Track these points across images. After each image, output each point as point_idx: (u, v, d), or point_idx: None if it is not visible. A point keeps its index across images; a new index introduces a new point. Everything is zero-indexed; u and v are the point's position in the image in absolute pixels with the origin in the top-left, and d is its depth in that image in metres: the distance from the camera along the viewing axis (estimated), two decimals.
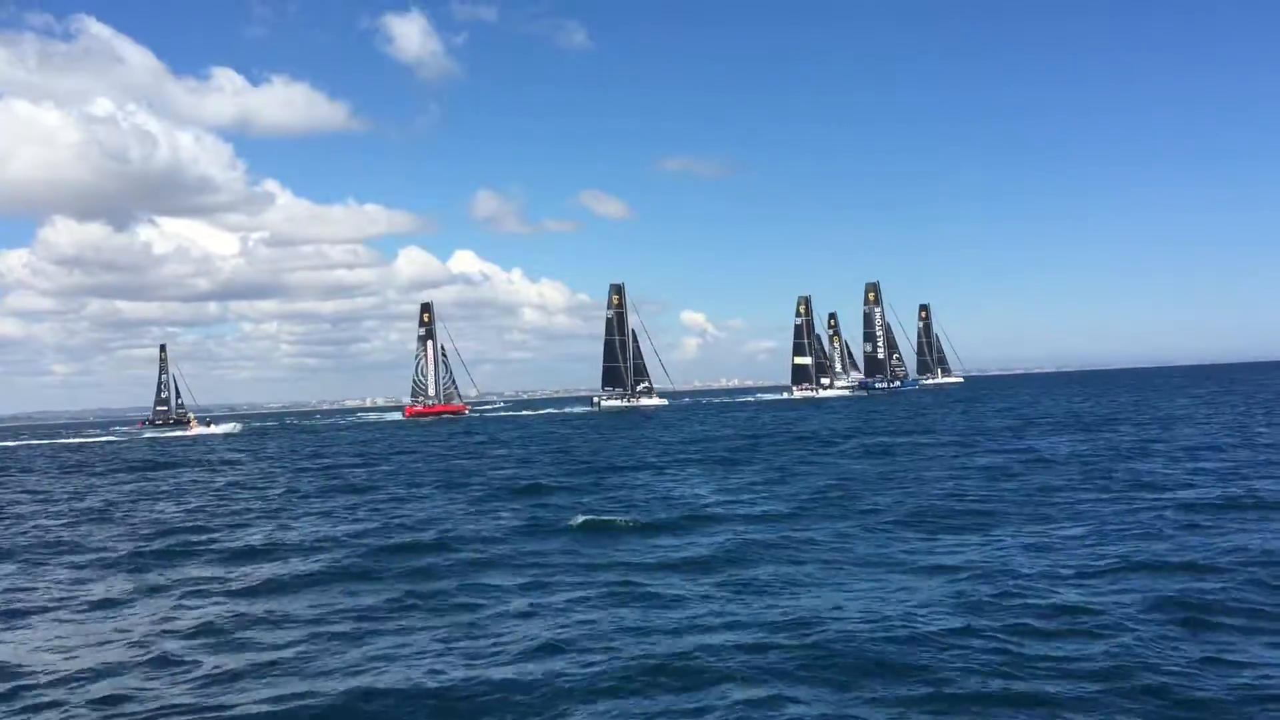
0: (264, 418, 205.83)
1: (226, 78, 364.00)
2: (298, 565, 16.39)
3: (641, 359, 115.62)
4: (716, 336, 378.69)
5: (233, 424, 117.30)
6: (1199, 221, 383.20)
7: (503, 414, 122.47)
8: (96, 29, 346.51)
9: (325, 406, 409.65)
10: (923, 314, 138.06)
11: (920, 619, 10.87)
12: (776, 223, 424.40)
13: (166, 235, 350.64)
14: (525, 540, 17.91)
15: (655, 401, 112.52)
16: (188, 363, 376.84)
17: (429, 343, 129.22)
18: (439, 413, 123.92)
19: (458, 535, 18.73)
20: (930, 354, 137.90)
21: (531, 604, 12.68)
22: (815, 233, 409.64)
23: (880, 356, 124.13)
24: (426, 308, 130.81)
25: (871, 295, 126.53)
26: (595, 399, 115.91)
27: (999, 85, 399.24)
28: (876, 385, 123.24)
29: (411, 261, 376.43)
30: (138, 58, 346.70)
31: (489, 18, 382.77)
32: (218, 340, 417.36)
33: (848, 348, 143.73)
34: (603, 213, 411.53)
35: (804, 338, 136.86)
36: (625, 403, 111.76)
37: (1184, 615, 10.60)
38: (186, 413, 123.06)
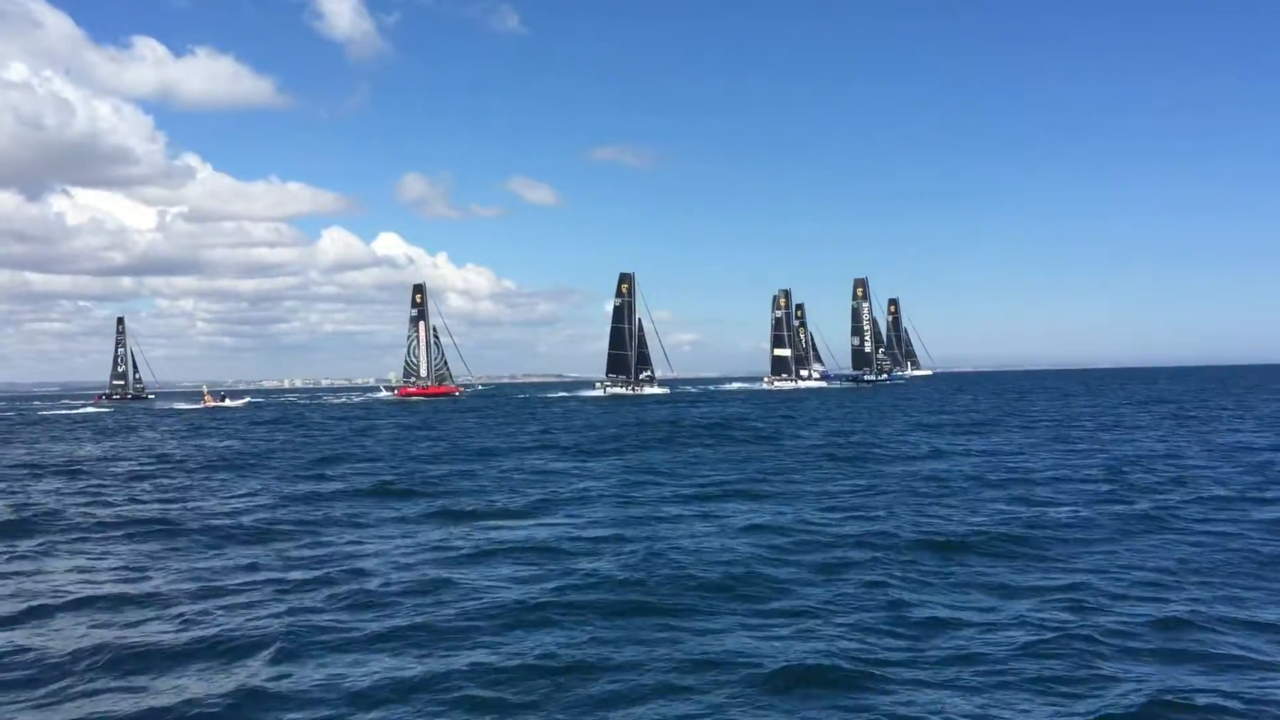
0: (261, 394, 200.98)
1: (149, 47, 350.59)
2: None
3: (646, 348, 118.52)
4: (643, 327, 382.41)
5: (246, 399, 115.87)
6: (1175, 223, 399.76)
7: (496, 396, 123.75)
8: None
9: (241, 387, 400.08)
10: (891, 308, 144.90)
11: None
12: (705, 215, 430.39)
13: (80, 207, 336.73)
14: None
15: (657, 390, 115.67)
16: (97, 338, 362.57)
17: (421, 324, 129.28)
18: (432, 394, 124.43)
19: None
20: (899, 348, 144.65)
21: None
22: (745, 226, 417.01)
23: (867, 350, 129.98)
24: (419, 289, 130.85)
25: (859, 290, 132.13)
26: (598, 384, 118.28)
27: (954, 79, 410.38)
28: (865, 378, 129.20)
29: (335, 242, 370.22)
30: (56, 23, 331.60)
31: None
32: (131, 316, 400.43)
33: (813, 340, 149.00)
34: (532, 199, 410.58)
35: (784, 330, 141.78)
36: (630, 390, 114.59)
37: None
38: (211, 392, 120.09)
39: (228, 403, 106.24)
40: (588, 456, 32.50)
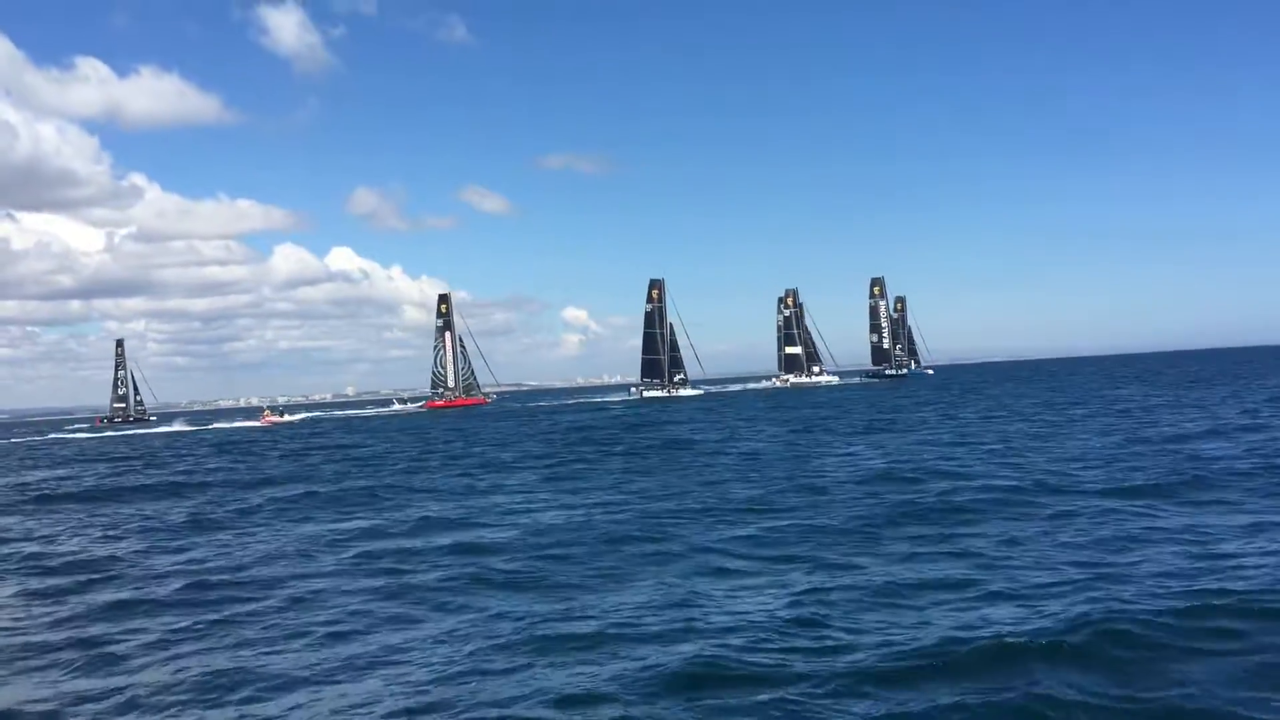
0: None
1: (91, 68, 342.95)
2: None
3: (678, 352, 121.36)
4: (598, 333, 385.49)
5: (304, 414, 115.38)
6: (1166, 211, 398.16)
7: (531, 406, 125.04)
8: None
9: (196, 408, 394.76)
10: (898, 305, 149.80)
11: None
12: (658, 219, 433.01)
13: (26, 230, 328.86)
14: None
15: (691, 392, 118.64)
16: (47, 363, 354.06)
17: (447, 334, 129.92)
18: (461, 405, 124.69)
19: None
20: (903, 344, 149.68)
21: None
22: (702, 228, 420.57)
23: (885, 347, 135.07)
24: (444, 299, 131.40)
25: (877, 289, 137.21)
26: (634, 389, 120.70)
27: (932, 70, 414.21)
28: (886, 372, 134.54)
29: (287, 258, 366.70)
30: None
31: (368, 11, 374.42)
32: (80, 340, 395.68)
33: (810, 335, 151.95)
34: (484, 209, 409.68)
35: (793, 328, 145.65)
36: (665, 393, 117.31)
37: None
38: (270, 408, 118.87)
39: (286, 418, 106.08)
40: None
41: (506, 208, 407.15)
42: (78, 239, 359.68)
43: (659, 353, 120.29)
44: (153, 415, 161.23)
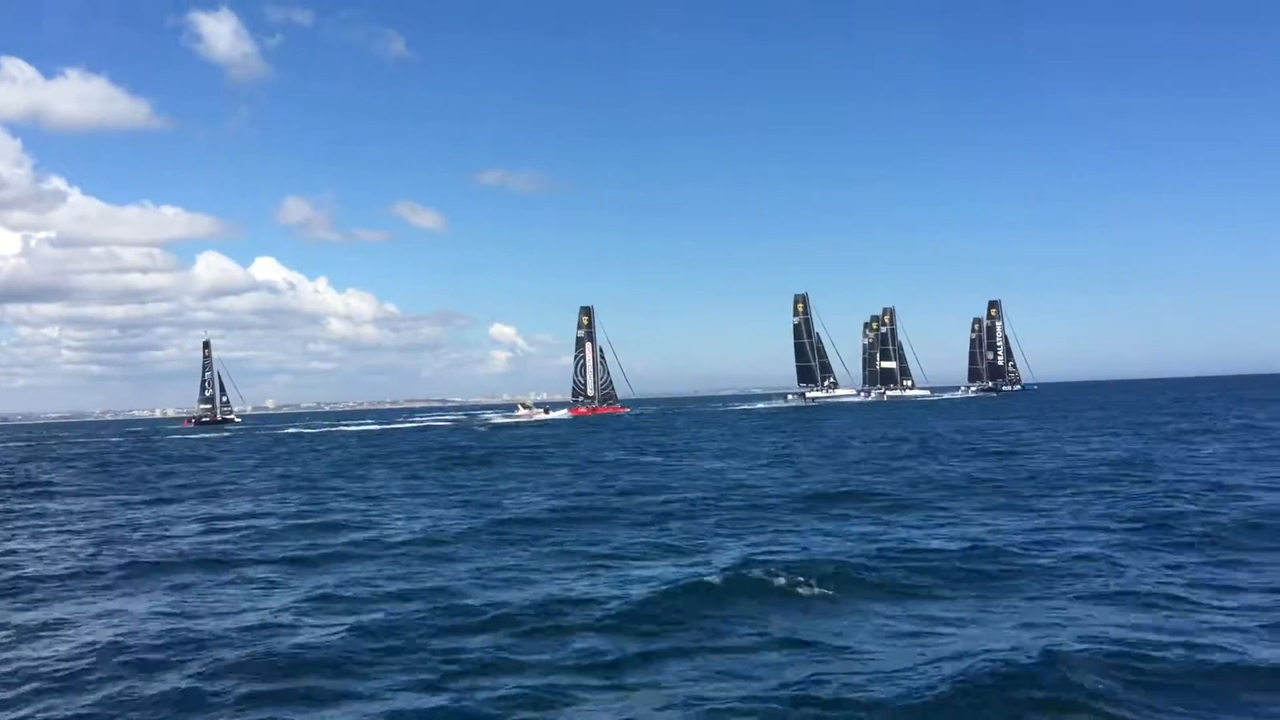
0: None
1: (16, 68, 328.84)
2: None
3: (826, 358, 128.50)
4: (527, 351, 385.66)
5: (563, 410, 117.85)
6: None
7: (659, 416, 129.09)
8: None
9: (109, 417, 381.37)
10: (976, 327, 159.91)
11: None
12: (599, 237, 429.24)
13: None
14: None
15: (847, 392, 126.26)
16: None
17: (588, 344, 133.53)
18: (603, 413, 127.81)
19: None
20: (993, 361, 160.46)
21: None
22: (627, 246, 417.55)
23: (1000, 363, 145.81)
24: (586, 310, 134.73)
25: (993, 310, 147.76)
26: (791, 396, 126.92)
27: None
28: (1003, 388, 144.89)
29: (210, 267, 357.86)
30: None
31: (304, 21, 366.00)
32: None
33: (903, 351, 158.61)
34: (417, 224, 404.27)
35: (888, 344, 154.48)
36: (827, 393, 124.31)
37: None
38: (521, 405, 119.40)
39: (549, 414, 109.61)
40: None
41: (439, 223, 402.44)
42: None
43: (810, 360, 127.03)
44: (238, 417, 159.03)
